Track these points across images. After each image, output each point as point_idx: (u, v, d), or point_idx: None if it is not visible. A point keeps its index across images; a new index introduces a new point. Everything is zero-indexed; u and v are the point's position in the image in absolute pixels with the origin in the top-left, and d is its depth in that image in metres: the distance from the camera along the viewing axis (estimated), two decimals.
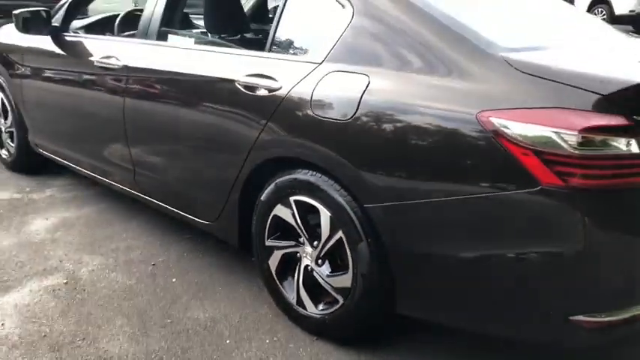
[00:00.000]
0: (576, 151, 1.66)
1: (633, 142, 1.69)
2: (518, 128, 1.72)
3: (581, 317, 1.76)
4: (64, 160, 3.57)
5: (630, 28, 16.30)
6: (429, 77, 1.94)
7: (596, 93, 1.70)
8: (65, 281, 2.73)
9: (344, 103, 2.05)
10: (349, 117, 2.03)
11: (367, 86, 2.01)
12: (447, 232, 1.90)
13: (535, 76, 1.80)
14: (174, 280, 2.76)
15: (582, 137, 1.66)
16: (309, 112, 2.13)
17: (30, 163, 4.00)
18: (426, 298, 2.04)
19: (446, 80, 1.91)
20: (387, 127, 1.96)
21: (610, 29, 2.70)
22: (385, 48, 2.07)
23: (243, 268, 2.81)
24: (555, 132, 1.68)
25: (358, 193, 2.05)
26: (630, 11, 15.94)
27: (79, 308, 2.51)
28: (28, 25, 3.35)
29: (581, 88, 1.72)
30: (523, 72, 1.82)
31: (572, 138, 1.66)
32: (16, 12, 3.32)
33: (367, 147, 2.01)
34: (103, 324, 2.41)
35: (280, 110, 2.22)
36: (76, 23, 3.61)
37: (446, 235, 1.90)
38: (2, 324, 2.39)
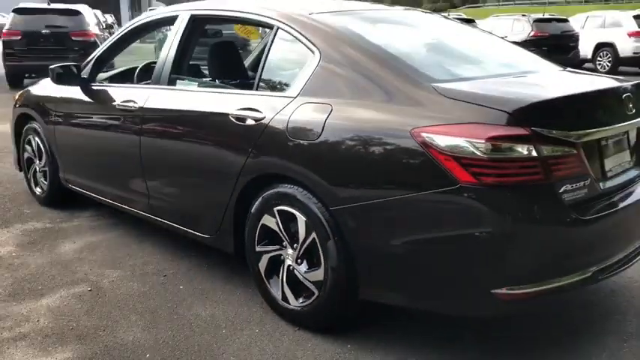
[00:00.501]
0: (485, 156, 2.12)
1: (532, 147, 2.15)
2: (441, 140, 2.19)
3: (500, 290, 2.18)
4: (90, 192, 4.10)
5: (636, 69, 16.81)
6: (376, 104, 2.44)
7: (503, 110, 2.17)
8: (89, 289, 3.21)
9: (312, 127, 2.55)
10: (316, 138, 2.52)
11: (330, 113, 2.52)
12: (393, 226, 2.35)
13: (456, 99, 2.29)
14: (181, 287, 3.22)
15: (490, 145, 2.12)
16: (286, 135, 2.63)
17: (60, 198, 4.53)
18: (379, 283, 2.47)
19: (389, 105, 2.41)
20: (345, 144, 2.45)
21: (541, 61, 3.18)
22: (344, 83, 2.58)
23: (240, 277, 3.25)
24: (469, 141, 2.15)
25: (325, 199, 2.52)
26: (634, 53, 16.41)
27: (100, 308, 2.98)
28: (60, 78, 3.95)
29: (491, 107, 2.20)
30: (447, 97, 2.31)
31: (481, 146, 2.13)
32: (51, 67, 3.93)
33: (330, 161, 2.50)
34: (120, 319, 2.87)
35: (264, 136, 2.73)
36: (102, 75, 4.20)
37: (392, 228, 2.36)
38: (38, 320, 2.87)
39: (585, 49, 16.99)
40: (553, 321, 2.86)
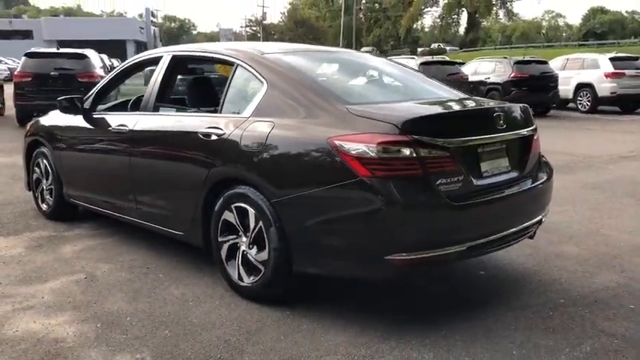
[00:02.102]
0: (377, 156, 2.87)
1: (412, 150, 2.90)
2: (347, 145, 2.95)
3: (392, 257, 2.90)
4: (88, 203, 4.84)
5: (615, 108, 17.67)
6: (305, 120, 3.21)
7: (391, 123, 2.94)
8: (85, 277, 3.92)
9: (259, 140, 3.31)
10: (261, 148, 3.28)
11: (272, 128, 3.28)
12: (312, 211, 3.09)
13: (361, 117, 3.05)
14: (160, 275, 3.93)
15: (380, 147, 2.88)
16: (240, 147, 3.39)
17: (64, 213, 5.27)
18: (305, 258, 3.19)
19: (314, 121, 3.17)
20: (281, 151, 3.21)
21: (447, 89, 3.99)
22: (284, 105, 3.36)
23: (209, 267, 3.94)
24: (366, 146, 2.90)
25: (268, 195, 3.26)
26: (611, 93, 17.29)
27: (93, 289, 3.69)
28: (66, 108, 4.74)
29: (383, 121, 2.97)
30: (355, 115, 3.07)
31: (374, 148, 2.88)
32: (58, 99, 4.73)
33: (271, 165, 3.25)
34: (108, 296, 3.58)
35: (224, 148, 3.49)
36: (102, 107, 5.00)
37: (312, 213, 3.09)
38: (42, 297, 3.57)
39: (566, 89, 17.88)
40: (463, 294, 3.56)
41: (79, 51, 13.27)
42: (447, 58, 20.40)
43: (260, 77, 3.54)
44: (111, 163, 4.45)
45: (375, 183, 2.89)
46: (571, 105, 18.39)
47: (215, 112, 3.80)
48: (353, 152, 2.93)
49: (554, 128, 14.00)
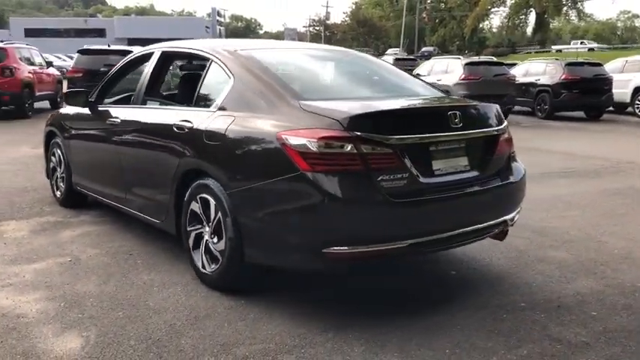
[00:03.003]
0: (317, 150, 2.92)
1: (353, 146, 2.93)
2: (292, 140, 3.01)
3: (329, 250, 2.94)
4: (90, 192, 5.10)
5: None
6: (261, 115, 3.29)
7: (334, 119, 2.98)
8: (70, 259, 4.15)
9: (219, 133, 3.42)
10: (220, 140, 3.39)
11: (232, 122, 3.38)
12: (259, 204, 3.17)
13: (310, 112, 3.11)
14: (139, 261, 4.11)
15: (321, 142, 2.92)
16: (204, 140, 3.51)
17: (74, 200, 5.56)
18: (253, 249, 3.26)
19: (268, 116, 3.25)
20: (236, 144, 3.31)
21: (424, 88, 3.96)
22: (244, 99, 3.46)
23: (184, 258, 4.09)
24: (308, 140, 2.96)
25: (224, 186, 3.36)
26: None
27: (71, 272, 3.90)
28: (70, 100, 5.01)
29: (328, 117, 3.01)
30: (305, 110, 3.13)
31: (315, 143, 2.93)
32: (65, 91, 5.00)
33: (227, 157, 3.35)
34: (82, 279, 3.78)
35: (191, 140, 3.62)
36: (109, 100, 5.24)
37: (259, 205, 3.17)
38: (24, 276, 3.81)
39: (624, 92, 17.11)
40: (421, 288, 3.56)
41: (128, 48, 13.82)
42: (494, 59, 19.91)
43: (229, 73, 3.64)
44: (105, 154, 4.68)
45: (314, 177, 2.94)
46: (629, 109, 17.60)
47: (189, 105, 3.93)
48: (296, 146, 2.98)
49: (604, 133, 13.53)
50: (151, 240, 4.55)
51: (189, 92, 4.08)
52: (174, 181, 3.78)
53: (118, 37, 63.07)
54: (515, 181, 3.62)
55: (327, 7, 73.11)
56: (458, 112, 3.28)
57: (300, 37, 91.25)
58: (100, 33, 67.46)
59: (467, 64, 15.39)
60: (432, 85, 4.16)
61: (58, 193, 5.75)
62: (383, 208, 2.98)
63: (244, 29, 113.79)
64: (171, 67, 4.89)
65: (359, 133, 2.95)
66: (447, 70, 15.79)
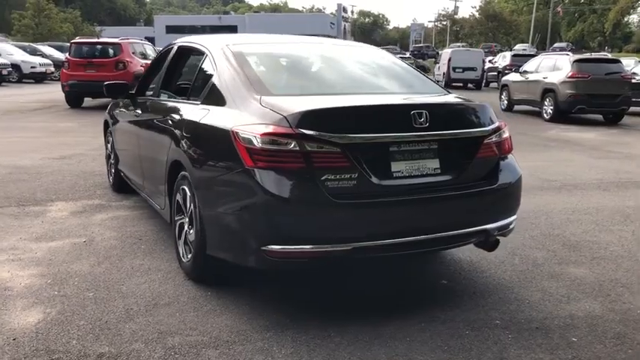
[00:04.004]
0: (260, 146, 2.89)
1: (296, 143, 2.86)
2: (241, 135, 3.00)
3: (267, 248, 2.89)
4: (127, 179, 5.40)
5: None
6: (228, 109, 3.31)
7: (282, 115, 2.92)
8: (84, 240, 4.43)
9: (193, 126, 3.48)
10: (193, 133, 3.45)
11: (205, 115, 3.43)
12: (212, 197, 3.18)
13: (266, 107, 3.07)
14: (143, 246, 4.30)
15: (265, 138, 2.88)
16: (183, 132, 3.59)
17: (120, 185, 5.92)
18: (209, 242, 3.28)
19: (232, 110, 3.26)
20: (203, 137, 3.36)
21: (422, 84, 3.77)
22: (221, 93, 3.48)
23: None
24: (253, 136, 2.93)
25: (192, 177, 3.42)
26: None
27: (78, 253, 4.16)
28: (109, 93, 5.33)
29: (277, 113, 2.96)
30: (263, 106, 3.09)
31: (258, 139, 2.90)
32: (105, 83, 5.33)
33: (196, 150, 3.41)
34: (81, 259, 4.02)
35: (177, 132, 3.71)
36: (148, 92, 5.50)
37: (212, 199, 3.19)
38: (36, 253, 4.14)
39: None
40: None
41: None
42: (609, 56, 18.21)
43: (215, 67, 3.69)
44: (131, 143, 4.94)
45: (257, 173, 2.90)
46: None
47: (185, 97, 4.04)
48: (243, 142, 2.97)
49: None
50: (167, 227, 4.73)
51: (186, 85, 4.18)
52: (166, 172, 3.91)
53: (249, 32, 65.82)
54: (501, 187, 3.34)
55: (455, 1, 70.96)
56: (424, 112, 3.07)
57: (427, 32, 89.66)
58: (232, 29, 70.75)
59: (576, 61, 14.26)
60: (436, 82, 3.90)
61: (111, 179, 6.15)
62: (324, 208, 2.88)
63: (371, 25, 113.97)
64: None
65: (304, 131, 2.87)
66: (554, 67, 14.75)
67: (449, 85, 27.26)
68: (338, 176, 2.90)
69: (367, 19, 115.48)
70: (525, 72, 15.97)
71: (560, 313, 3.33)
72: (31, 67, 24.73)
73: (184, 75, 4.63)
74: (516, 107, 16.56)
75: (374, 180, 2.98)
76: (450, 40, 71.08)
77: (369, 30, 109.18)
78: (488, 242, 3.40)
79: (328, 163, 2.90)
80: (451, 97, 3.60)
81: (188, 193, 3.54)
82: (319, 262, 3.01)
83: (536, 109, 15.14)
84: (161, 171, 4.06)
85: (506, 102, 16.87)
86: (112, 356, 2.74)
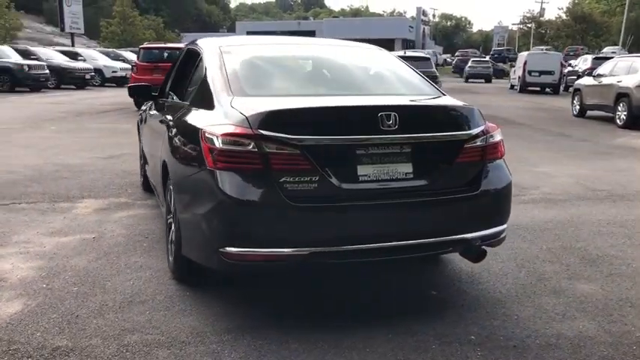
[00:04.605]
0: (219, 147, 2.86)
1: (254, 144, 2.81)
2: (206, 135, 2.98)
3: (224, 250, 2.86)
4: (148, 176, 5.55)
5: None
6: (204, 110, 3.31)
7: (244, 116, 2.88)
8: (94, 236, 4.57)
9: (174, 126, 3.51)
10: (174, 134, 3.48)
11: (187, 115, 3.46)
12: (185, 197, 3.19)
13: (234, 108, 3.04)
14: (145, 244, 4.39)
15: (224, 139, 2.86)
16: (169, 133, 3.63)
17: (148, 184, 6.08)
18: (185, 241, 3.28)
19: (207, 111, 3.26)
20: (179, 138, 3.39)
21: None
22: (203, 94, 3.49)
23: None
24: (215, 136, 2.91)
25: (171, 177, 3.44)
26: None
27: (83, 248, 4.29)
28: (133, 93, 5.47)
29: (240, 113, 2.92)
30: (232, 107, 3.07)
31: (218, 140, 2.87)
32: (128, 85, 5.49)
33: (174, 150, 3.44)
34: (83, 254, 4.15)
35: (167, 132, 3.76)
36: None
37: (185, 199, 3.19)
38: (44, 247, 4.31)
39: None
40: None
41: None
42: None
43: (205, 68, 3.71)
44: (146, 144, 5.05)
45: (217, 174, 2.88)
46: None
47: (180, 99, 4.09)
48: (207, 142, 2.95)
49: None
50: None
51: (182, 86, 4.24)
52: (160, 171, 3.97)
53: (326, 37, 66.35)
54: (484, 194, 3.13)
55: (541, 2, 68.41)
56: (393, 114, 2.93)
57: (511, 34, 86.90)
58: (311, 34, 71.50)
59: None
60: (431, 84, 3.71)
61: (141, 178, 6.33)
62: (280, 211, 2.81)
63: (453, 28, 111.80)
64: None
65: (263, 132, 2.82)
66: (629, 70, 13.84)
67: (524, 89, 26.28)
68: (297, 179, 2.83)
69: (449, 22, 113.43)
70: (599, 75, 15.10)
71: (548, 331, 3.09)
72: (112, 72, 26.05)
73: (185, 76, 4.69)
74: (589, 113, 15.69)
75: (336, 183, 2.88)
76: (533, 43, 68.47)
77: (451, 33, 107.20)
78: (472, 252, 3.21)
79: (287, 165, 2.83)
80: (438, 100, 3.42)
81: (172, 193, 3.57)
82: (277, 266, 2.95)
83: (610, 114, 14.27)
84: (158, 171, 4.12)
85: (578, 107, 16.02)
86: (66, 350, 2.79)
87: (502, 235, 3.32)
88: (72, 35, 35.97)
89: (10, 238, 4.52)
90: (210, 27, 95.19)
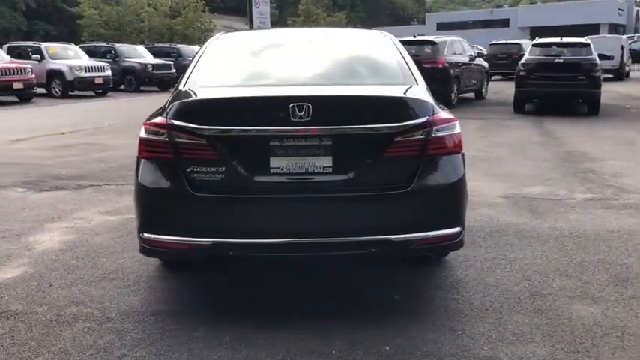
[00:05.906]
0: (142, 137, 2.99)
1: (165, 134, 2.89)
2: (143, 126, 3.12)
3: (142, 235, 2.99)
4: None
5: None
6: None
7: (166, 108, 2.98)
8: (90, 224, 4.96)
9: None
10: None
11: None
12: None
13: (175, 100, 3.13)
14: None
15: (147, 129, 2.98)
16: None
17: None
18: None
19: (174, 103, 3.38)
20: None
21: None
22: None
23: None
24: (143, 126, 3.04)
25: None
26: None
27: (121, 225, 4.73)
28: None
29: (168, 105, 3.02)
30: (174, 98, 3.17)
31: (142, 130, 3.01)
32: None
33: None
34: (119, 231, 4.56)
35: None
36: None
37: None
38: (89, 223, 4.83)
39: None
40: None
41: (429, 38, 14.13)
42: None
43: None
44: None
45: (140, 162, 3.02)
46: None
47: None
48: (141, 133, 3.09)
49: None
50: None
51: None
52: None
53: (520, 26, 62.55)
54: (418, 192, 2.83)
55: None
56: (305, 105, 2.77)
57: None
58: (504, 23, 67.97)
59: None
60: (412, 73, 3.36)
61: None
62: (183, 200, 2.85)
63: None
64: None
65: (175, 122, 2.88)
66: None
67: None
68: (204, 169, 2.85)
69: None
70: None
71: (481, 353, 2.72)
72: None
73: None
74: None
75: (245, 175, 2.84)
76: None
77: None
78: (410, 257, 2.93)
79: (194, 155, 2.86)
80: (381, 89, 3.12)
81: None
82: (184, 255, 3.00)
83: None
84: None
85: None
86: (13, 314, 3.15)
87: (453, 241, 2.97)
88: None
89: (73, 214, 5.12)
90: (404, 20, 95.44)
